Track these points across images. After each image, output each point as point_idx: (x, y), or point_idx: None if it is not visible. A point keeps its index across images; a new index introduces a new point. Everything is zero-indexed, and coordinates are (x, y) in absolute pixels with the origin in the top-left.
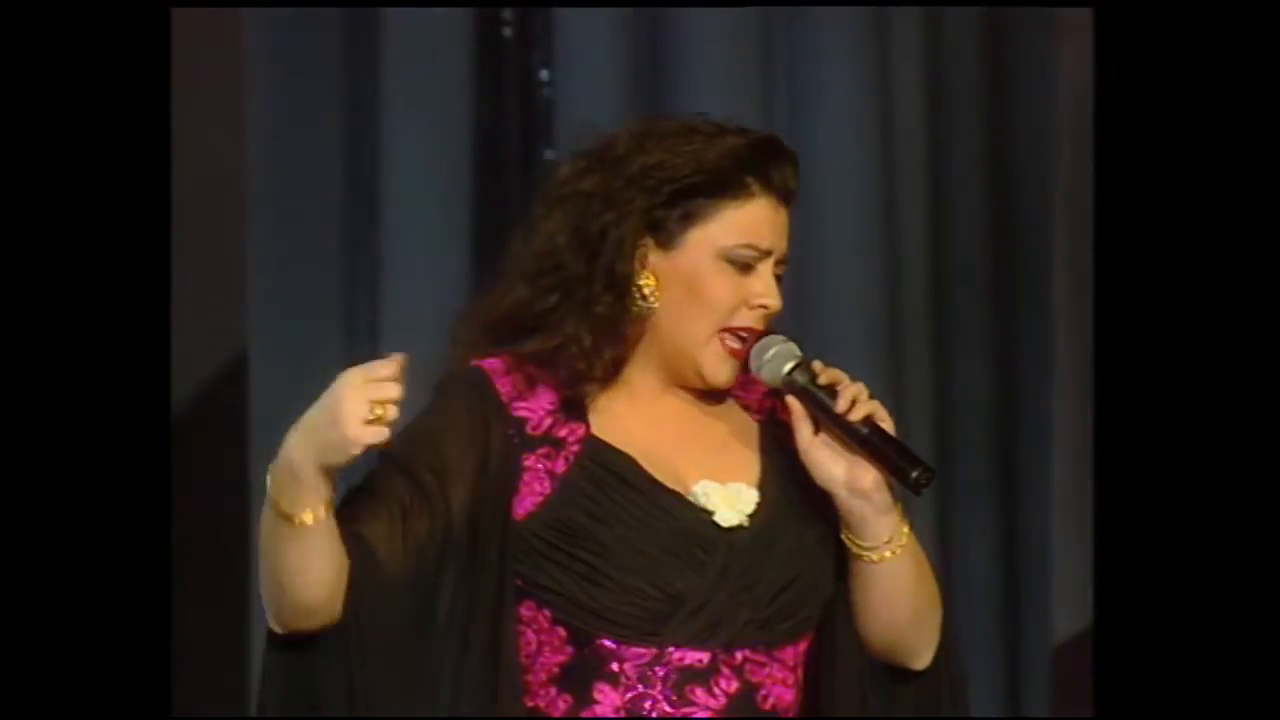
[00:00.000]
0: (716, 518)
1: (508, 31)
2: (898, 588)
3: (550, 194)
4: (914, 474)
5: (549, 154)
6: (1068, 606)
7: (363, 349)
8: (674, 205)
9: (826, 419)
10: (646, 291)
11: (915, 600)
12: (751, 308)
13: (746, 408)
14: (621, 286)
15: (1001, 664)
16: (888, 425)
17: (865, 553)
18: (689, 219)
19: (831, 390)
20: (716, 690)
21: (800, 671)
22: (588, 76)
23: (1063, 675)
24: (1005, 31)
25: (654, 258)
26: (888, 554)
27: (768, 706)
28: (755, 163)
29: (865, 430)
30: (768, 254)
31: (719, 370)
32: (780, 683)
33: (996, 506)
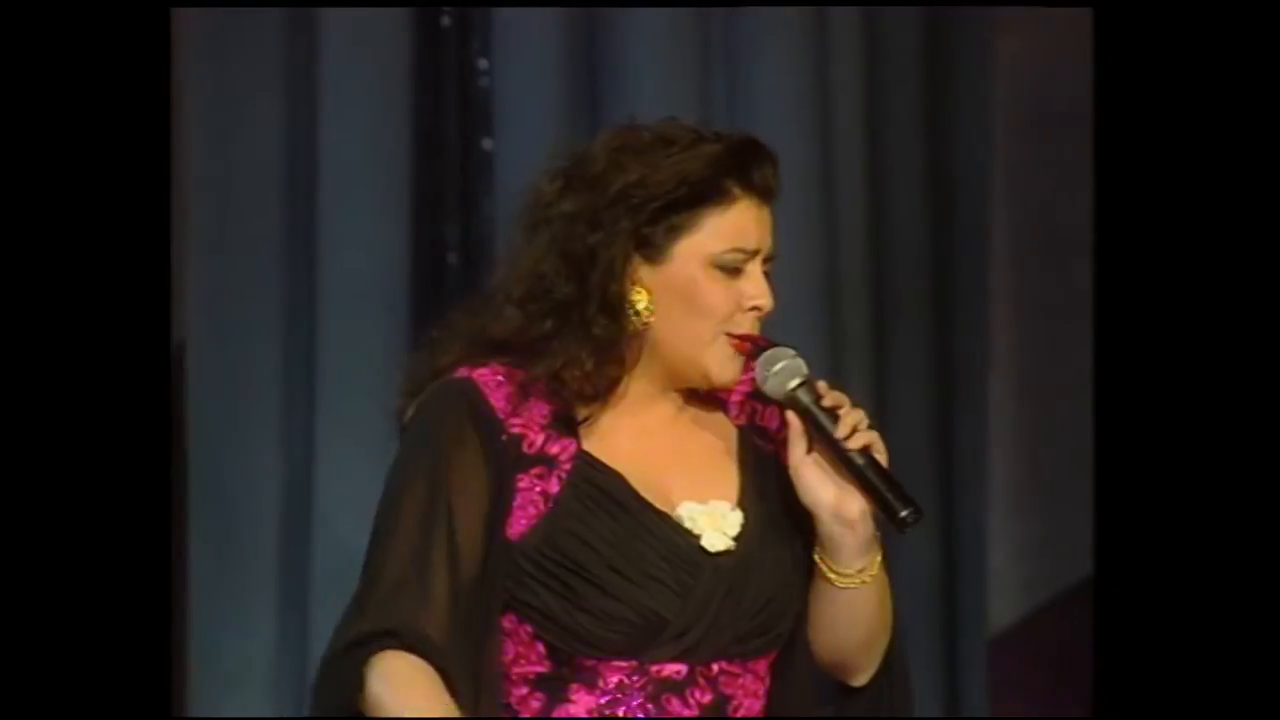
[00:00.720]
0: (704, 542)
1: (446, 21)
2: (858, 612)
3: (532, 217)
4: (903, 513)
5: (487, 144)
6: (1003, 601)
7: (301, 339)
8: (660, 220)
9: (823, 442)
10: (640, 307)
11: (871, 626)
12: (746, 310)
13: (726, 410)
14: (616, 306)
15: (938, 658)
16: (882, 457)
17: (836, 577)
18: (675, 231)
19: (833, 414)
20: (691, 700)
21: (769, 679)
22: (526, 67)
23: (998, 669)
24: (944, 30)
25: (644, 272)
26: (857, 582)
27: (739, 715)
28: (735, 167)
29: (861, 460)
30: (755, 254)
31: (724, 370)
32: (752, 694)
33: (933, 501)
